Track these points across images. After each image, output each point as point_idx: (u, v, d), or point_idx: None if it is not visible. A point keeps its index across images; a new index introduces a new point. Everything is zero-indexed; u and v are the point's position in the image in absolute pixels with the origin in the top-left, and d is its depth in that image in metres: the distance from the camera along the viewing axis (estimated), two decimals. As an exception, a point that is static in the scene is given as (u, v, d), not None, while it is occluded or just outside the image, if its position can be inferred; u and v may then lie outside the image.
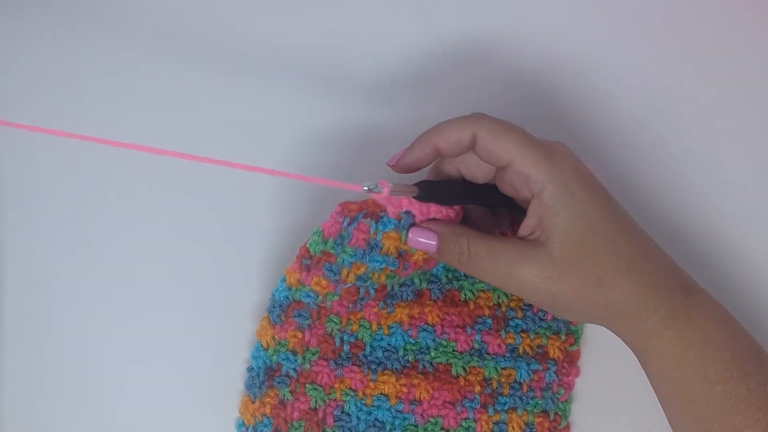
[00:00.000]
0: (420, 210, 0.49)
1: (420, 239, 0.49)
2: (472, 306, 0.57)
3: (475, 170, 0.50)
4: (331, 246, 0.51)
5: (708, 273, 0.57)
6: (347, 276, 0.52)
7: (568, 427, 0.56)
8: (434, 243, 0.49)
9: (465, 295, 0.57)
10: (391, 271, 0.52)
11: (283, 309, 0.56)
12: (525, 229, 0.48)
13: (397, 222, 0.49)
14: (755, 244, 0.58)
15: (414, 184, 0.49)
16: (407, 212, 0.49)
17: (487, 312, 0.57)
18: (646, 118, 0.59)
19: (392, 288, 0.56)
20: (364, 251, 0.50)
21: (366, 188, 0.46)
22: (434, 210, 0.49)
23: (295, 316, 0.56)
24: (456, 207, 0.51)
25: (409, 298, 0.56)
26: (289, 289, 0.55)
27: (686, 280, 0.49)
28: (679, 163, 0.59)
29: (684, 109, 0.59)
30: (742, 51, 0.60)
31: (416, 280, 0.56)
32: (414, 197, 0.48)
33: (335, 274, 0.52)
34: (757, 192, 0.58)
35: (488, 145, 0.47)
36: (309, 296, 0.54)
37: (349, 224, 0.50)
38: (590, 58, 0.60)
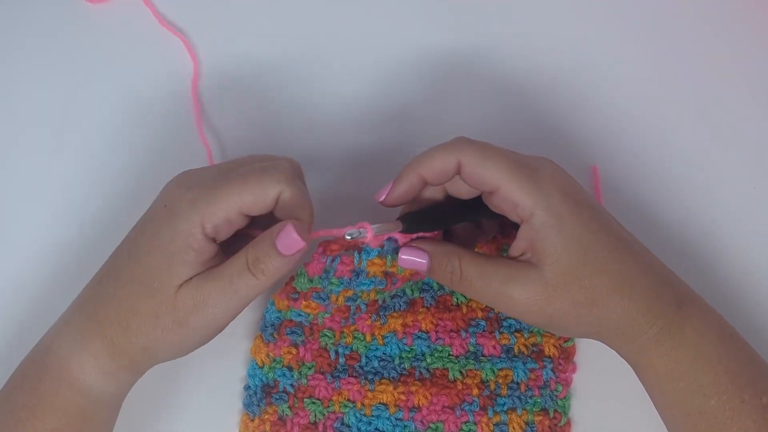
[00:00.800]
0: (403, 238, 0.49)
1: (411, 258, 0.49)
2: (464, 309, 0.57)
3: (461, 187, 0.50)
4: (316, 282, 0.51)
5: (708, 272, 0.58)
6: (336, 299, 0.52)
7: (568, 423, 0.56)
8: (425, 262, 0.48)
9: (457, 299, 0.57)
10: (380, 289, 0.52)
11: (275, 328, 0.56)
12: (516, 250, 0.48)
13: (380, 249, 0.49)
14: (755, 244, 0.58)
15: (397, 219, 0.49)
16: (389, 239, 0.49)
17: (479, 314, 0.57)
18: (646, 119, 0.60)
19: (384, 301, 0.56)
20: (350, 279, 0.50)
21: (349, 237, 0.46)
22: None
23: (288, 334, 0.56)
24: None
25: (402, 309, 0.56)
26: (279, 311, 0.55)
27: (680, 291, 0.49)
28: (679, 163, 0.59)
29: (684, 108, 0.60)
30: (741, 51, 0.60)
31: (408, 291, 0.56)
32: (400, 232, 0.48)
33: (324, 300, 0.52)
34: (757, 192, 0.59)
35: (473, 172, 0.46)
36: (300, 316, 0.54)
37: (332, 261, 0.50)
38: (589, 57, 0.61)
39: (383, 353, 0.57)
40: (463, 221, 0.51)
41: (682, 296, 0.49)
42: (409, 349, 0.56)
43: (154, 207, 0.48)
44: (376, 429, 0.56)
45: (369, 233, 0.46)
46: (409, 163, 0.48)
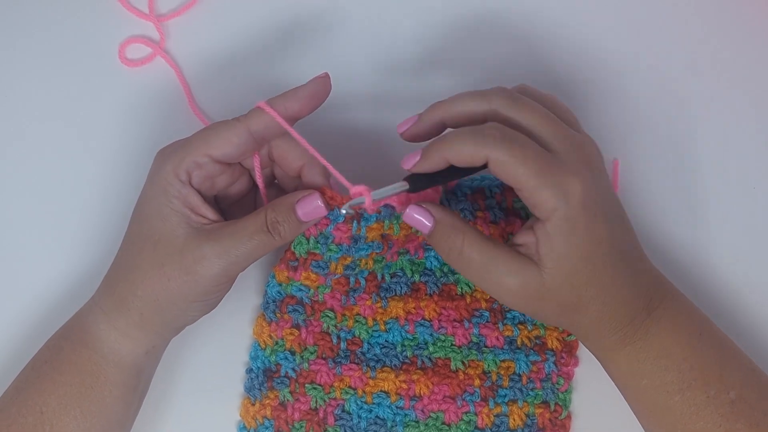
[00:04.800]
0: (400, 206, 0.50)
1: (417, 217, 0.49)
2: (468, 299, 0.57)
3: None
4: (313, 245, 0.51)
5: (708, 272, 0.58)
6: (335, 268, 0.52)
7: (569, 417, 0.56)
8: (429, 225, 0.49)
9: (461, 288, 0.57)
10: (377, 254, 0.52)
11: (277, 305, 0.56)
12: (520, 238, 0.49)
13: (377, 215, 0.49)
14: (755, 244, 0.58)
15: (404, 179, 0.49)
16: (386, 205, 0.49)
17: (484, 305, 0.57)
18: (650, 117, 0.60)
19: (382, 277, 0.56)
20: (349, 246, 0.50)
21: (344, 212, 0.48)
22: (414, 198, 0.50)
23: (289, 312, 0.56)
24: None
25: (404, 292, 0.56)
26: (280, 284, 0.55)
27: (656, 297, 0.49)
28: (679, 162, 0.59)
29: (684, 108, 0.60)
30: (742, 50, 0.60)
31: (408, 272, 0.56)
32: (406, 191, 0.49)
33: (323, 268, 0.52)
34: (757, 192, 0.59)
35: (499, 172, 0.47)
36: (301, 290, 0.55)
37: (334, 219, 0.50)
38: (590, 57, 0.61)
39: (385, 340, 0.57)
40: (470, 174, 0.50)
41: (656, 302, 0.49)
42: (411, 337, 0.57)
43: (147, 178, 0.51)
44: (377, 417, 0.56)
45: (367, 200, 0.47)
46: (437, 144, 0.48)
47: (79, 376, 0.50)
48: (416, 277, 0.57)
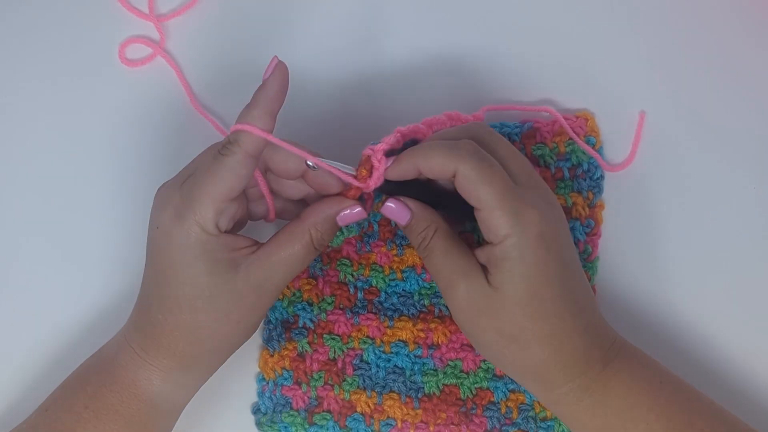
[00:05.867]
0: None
1: (396, 209, 0.50)
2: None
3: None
4: (348, 232, 0.53)
5: (707, 272, 0.57)
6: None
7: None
8: (407, 218, 0.50)
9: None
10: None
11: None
12: (481, 255, 0.48)
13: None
14: (756, 244, 0.57)
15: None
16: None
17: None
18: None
19: (395, 223, 0.56)
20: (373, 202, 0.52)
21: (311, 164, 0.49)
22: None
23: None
24: None
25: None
26: None
27: (611, 349, 0.49)
28: (679, 161, 0.58)
29: (684, 108, 0.58)
30: (742, 50, 0.59)
31: None
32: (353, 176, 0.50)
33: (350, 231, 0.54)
34: (757, 191, 0.58)
35: (464, 186, 0.47)
36: None
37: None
38: (589, 55, 0.59)
39: (402, 289, 0.57)
40: (437, 206, 0.51)
41: (611, 356, 0.48)
42: (428, 286, 0.56)
43: (156, 238, 0.48)
44: (395, 366, 0.57)
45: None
46: (411, 151, 0.48)
47: (126, 426, 0.50)
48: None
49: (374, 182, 0.49)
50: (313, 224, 0.50)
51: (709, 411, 0.49)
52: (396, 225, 0.56)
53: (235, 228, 0.51)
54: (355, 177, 0.49)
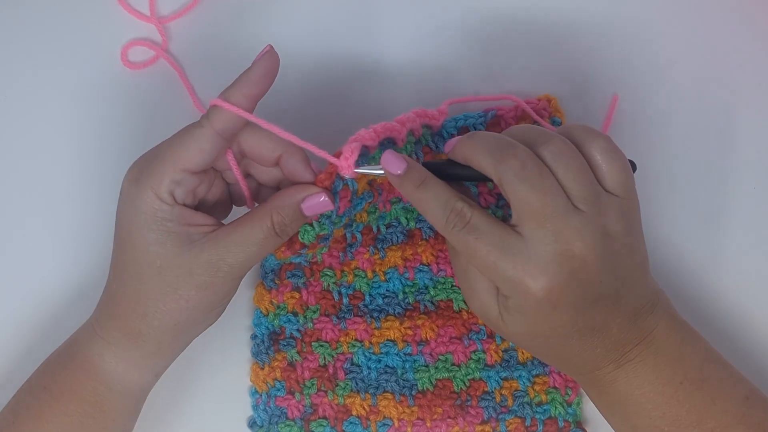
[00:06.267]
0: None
1: (391, 160, 0.47)
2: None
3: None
4: (319, 228, 0.49)
5: (707, 272, 0.57)
6: (336, 233, 0.52)
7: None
8: (402, 169, 0.46)
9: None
10: (369, 204, 0.52)
11: (275, 273, 0.56)
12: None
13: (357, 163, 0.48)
14: (756, 244, 0.58)
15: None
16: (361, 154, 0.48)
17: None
18: (648, 117, 0.58)
19: (378, 229, 0.56)
20: (349, 207, 0.50)
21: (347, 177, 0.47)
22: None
23: (289, 278, 0.56)
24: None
25: (400, 240, 0.56)
26: (279, 260, 0.55)
27: (629, 347, 0.47)
28: (678, 162, 0.58)
29: (683, 109, 0.58)
30: (742, 49, 0.59)
31: (403, 220, 0.56)
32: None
33: (326, 239, 0.52)
34: (757, 192, 0.58)
35: (508, 194, 0.44)
36: (299, 257, 0.54)
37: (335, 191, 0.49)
38: (589, 55, 0.59)
39: (386, 290, 0.57)
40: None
41: (627, 354, 0.47)
42: (411, 284, 0.56)
43: (119, 205, 0.48)
44: (386, 366, 0.57)
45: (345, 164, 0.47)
46: (468, 143, 0.46)
47: (81, 405, 0.49)
48: (411, 224, 0.56)
49: (347, 165, 0.46)
50: (276, 207, 0.47)
51: (732, 409, 0.48)
52: (392, 239, 0.56)
53: (206, 208, 0.50)
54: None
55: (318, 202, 0.47)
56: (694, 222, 0.58)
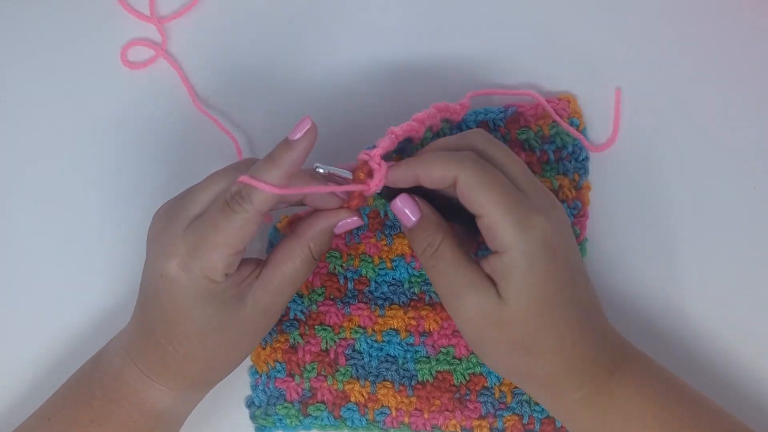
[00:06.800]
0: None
1: (404, 209, 0.48)
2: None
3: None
4: None
5: (707, 272, 0.57)
6: None
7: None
8: (414, 220, 0.48)
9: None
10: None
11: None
12: (488, 265, 0.47)
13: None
14: (756, 244, 0.57)
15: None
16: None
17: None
18: (646, 118, 0.58)
19: (385, 214, 0.56)
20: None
21: (322, 171, 0.48)
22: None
23: (294, 256, 0.56)
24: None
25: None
26: (284, 234, 0.55)
27: (617, 356, 0.48)
28: (678, 162, 0.58)
29: (684, 107, 0.58)
30: (741, 50, 0.59)
31: None
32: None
33: None
34: (757, 192, 0.57)
35: (466, 193, 0.46)
36: None
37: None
38: (588, 55, 0.59)
39: (392, 278, 0.57)
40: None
41: (618, 361, 0.48)
42: (418, 274, 0.56)
43: (151, 281, 0.48)
44: (387, 354, 0.57)
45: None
46: (411, 159, 0.48)
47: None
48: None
49: (375, 185, 0.47)
50: (312, 238, 0.49)
51: (711, 413, 0.49)
52: (401, 227, 0.55)
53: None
54: (353, 182, 0.48)
55: (351, 221, 0.49)
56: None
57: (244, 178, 0.45)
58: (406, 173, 0.47)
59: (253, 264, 0.49)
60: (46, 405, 0.52)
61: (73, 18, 0.61)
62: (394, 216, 0.56)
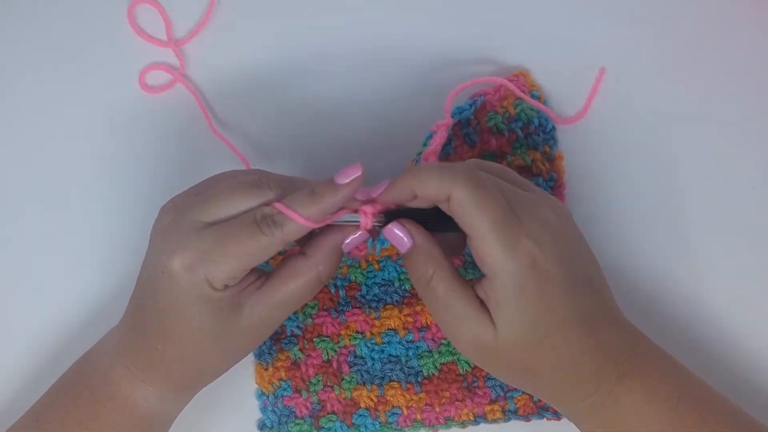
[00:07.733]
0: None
1: (398, 235, 0.47)
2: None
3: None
4: None
5: (707, 272, 0.57)
6: None
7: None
8: (407, 245, 0.47)
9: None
10: None
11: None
12: (481, 290, 0.46)
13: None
14: (755, 245, 0.57)
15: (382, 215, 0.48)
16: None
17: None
18: (645, 118, 0.59)
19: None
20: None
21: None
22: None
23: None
24: None
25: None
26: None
27: (626, 359, 0.47)
28: (679, 162, 0.58)
29: (684, 109, 0.58)
30: (741, 50, 0.59)
31: None
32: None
33: None
34: (757, 192, 0.58)
35: (457, 211, 0.44)
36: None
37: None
38: (589, 55, 0.59)
39: (382, 278, 0.56)
40: (435, 230, 0.48)
41: (627, 366, 0.47)
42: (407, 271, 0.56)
43: (151, 274, 0.48)
44: (390, 355, 0.56)
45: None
46: (406, 175, 0.46)
47: None
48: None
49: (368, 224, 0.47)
50: (322, 260, 0.48)
51: (722, 416, 0.48)
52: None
53: None
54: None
55: (357, 236, 0.48)
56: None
57: (282, 207, 0.45)
58: (402, 188, 0.46)
59: (255, 274, 0.48)
60: (36, 406, 0.52)
61: (91, 43, 0.61)
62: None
